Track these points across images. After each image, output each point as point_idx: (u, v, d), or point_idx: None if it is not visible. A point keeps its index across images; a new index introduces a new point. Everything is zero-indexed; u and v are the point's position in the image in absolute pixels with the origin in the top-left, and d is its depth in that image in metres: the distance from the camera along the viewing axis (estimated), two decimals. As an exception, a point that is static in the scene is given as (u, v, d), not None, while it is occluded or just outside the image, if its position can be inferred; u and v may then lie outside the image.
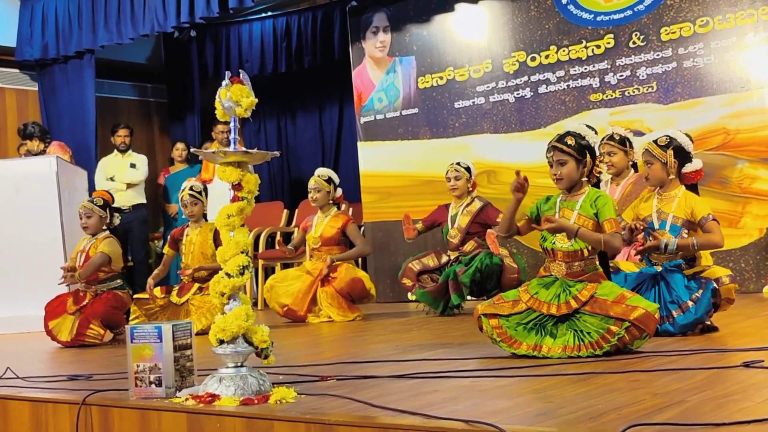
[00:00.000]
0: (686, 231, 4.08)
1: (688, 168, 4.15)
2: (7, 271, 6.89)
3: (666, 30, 6.41)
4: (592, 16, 6.77)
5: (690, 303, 3.95)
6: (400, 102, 7.80)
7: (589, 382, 2.87)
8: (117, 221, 5.82)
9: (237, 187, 2.99)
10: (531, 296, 3.63)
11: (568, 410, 2.40)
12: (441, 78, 7.55)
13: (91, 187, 7.99)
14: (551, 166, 3.72)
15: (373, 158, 7.93)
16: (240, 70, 3.12)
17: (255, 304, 7.64)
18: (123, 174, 8.44)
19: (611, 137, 5.15)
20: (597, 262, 3.67)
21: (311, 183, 6.36)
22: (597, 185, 3.81)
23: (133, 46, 8.70)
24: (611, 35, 6.66)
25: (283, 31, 9.14)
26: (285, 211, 8.65)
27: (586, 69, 6.75)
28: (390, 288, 7.75)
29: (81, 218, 5.68)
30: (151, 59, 9.98)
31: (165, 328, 3.00)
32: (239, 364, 2.91)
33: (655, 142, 4.19)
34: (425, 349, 4.09)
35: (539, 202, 3.84)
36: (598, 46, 6.67)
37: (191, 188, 5.90)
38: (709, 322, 4.05)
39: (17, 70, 9.04)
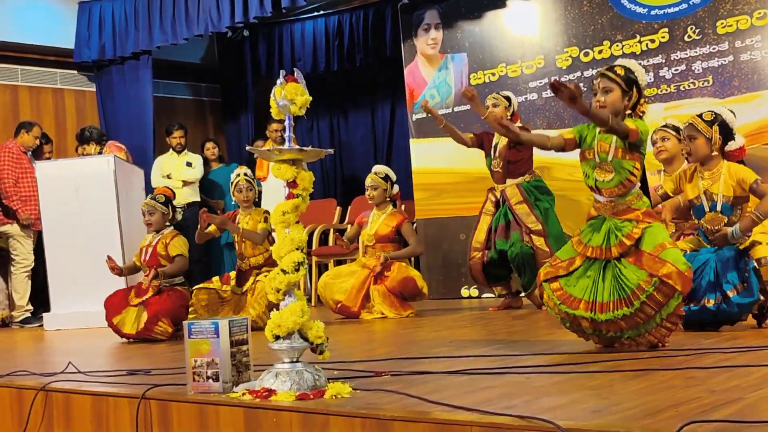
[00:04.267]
0: (739, 208, 4.05)
1: (731, 146, 4.14)
2: (68, 268, 7.04)
3: (722, 23, 6.31)
4: (646, 10, 6.69)
5: (742, 285, 3.93)
6: (452, 99, 7.79)
7: (645, 378, 2.85)
8: (179, 217, 5.90)
9: (292, 184, 3.03)
10: (584, 245, 3.67)
11: (624, 407, 2.39)
12: (493, 74, 7.53)
13: (148, 186, 8.12)
14: (595, 94, 3.73)
15: (425, 155, 7.93)
16: (294, 68, 3.16)
17: (309, 300, 7.69)
18: (180, 172, 8.57)
19: (665, 125, 5.11)
20: (645, 199, 3.66)
21: (368, 181, 6.39)
22: (644, 181, 3.80)
23: (187, 46, 8.81)
24: (666, 29, 6.57)
25: (335, 30, 9.18)
26: (338, 208, 8.69)
27: (640, 63, 6.63)
28: (443, 284, 7.76)
29: (144, 215, 5.78)
30: (205, 59, 10.10)
31: (222, 323, 3.04)
32: (295, 360, 2.94)
33: (700, 116, 4.16)
34: (479, 345, 4.09)
35: (582, 126, 3.82)
36: (653, 41, 6.59)
37: (245, 174, 5.93)
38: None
39: (75, 72, 9.23)
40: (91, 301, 6.93)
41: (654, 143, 4.92)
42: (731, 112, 4.22)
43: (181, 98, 10.04)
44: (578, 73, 7.01)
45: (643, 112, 3.72)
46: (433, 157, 7.86)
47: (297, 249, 2.99)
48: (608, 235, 3.61)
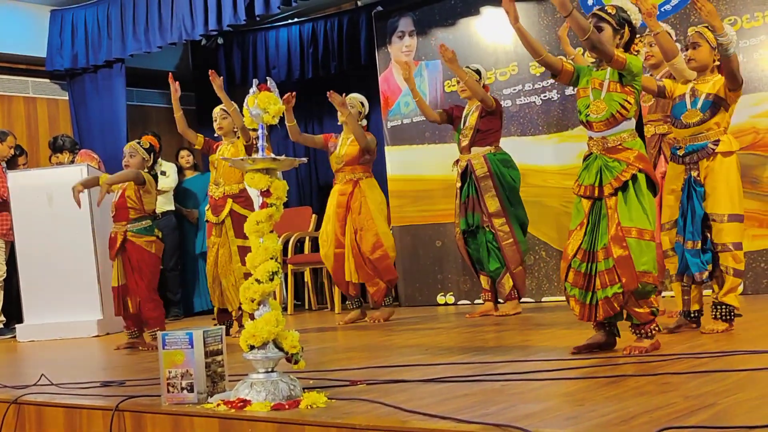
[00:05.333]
0: (717, 109, 4.18)
1: None
2: (41, 279, 6.98)
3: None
4: (619, 16, 6.73)
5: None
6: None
7: (620, 384, 2.86)
8: (159, 169, 5.83)
9: (266, 193, 3.02)
10: (579, 184, 3.75)
11: (598, 413, 2.39)
12: (467, 81, 7.53)
13: (122, 195, 8.06)
14: None
15: (400, 162, 7.94)
16: (267, 77, 3.16)
17: (285, 309, 7.67)
18: (153, 181, 8.51)
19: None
20: (639, 141, 3.72)
21: (348, 99, 6.31)
22: (641, 125, 3.88)
23: (161, 54, 8.77)
24: (638, 35, 6.60)
25: (310, 37, 9.17)
26: (313, 216, 8.68)
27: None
28: (418, 291, 7.76)
29: (124, 156, 5.73)
30: (179, 67, 10.05)
31: (196, 334, 3.03)
32: (270, 370, 2.93)
33: (708, 27, 4.27)
34: (455, 353, 4.09)
35: (582, 66, 3.94)
36: (625, 47, 6.63)
37: (221, 108, 5.98)
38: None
39: (48, 80, 9.15)
40: (64, 312, 6.91)
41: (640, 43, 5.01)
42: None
43: (155, 107, 9.99)
44: (551, 80, 7.03)
45: (638, 51, 3.84)
46: (408, 164, 7.87)
47: (271, 258, 2.98)
48: (599, 173, 3.67)
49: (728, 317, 4.13)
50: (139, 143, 5.81)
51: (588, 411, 2.45)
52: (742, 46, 6.15)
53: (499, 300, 6.16)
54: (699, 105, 4.20)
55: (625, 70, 3.67)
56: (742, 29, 6.15)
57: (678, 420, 2.22)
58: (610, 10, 3.78)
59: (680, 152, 4.20)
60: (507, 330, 5.15)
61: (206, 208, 6.08)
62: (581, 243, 3.68)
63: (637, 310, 3.61)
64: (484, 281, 6.23)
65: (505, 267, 6.01)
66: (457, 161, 6.26)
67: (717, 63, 4.25)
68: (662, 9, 6.51)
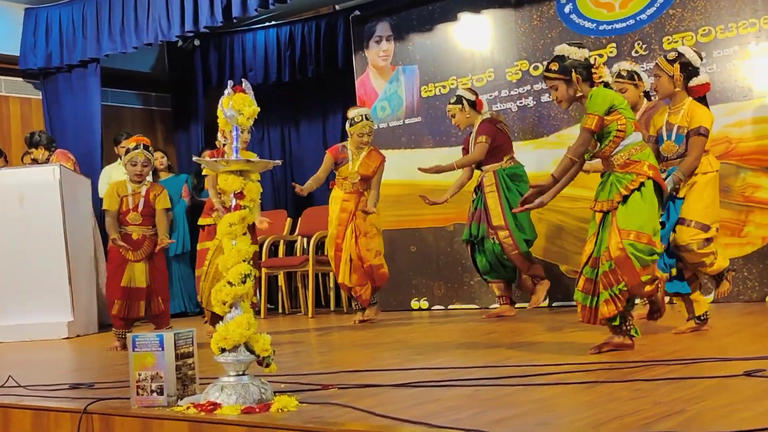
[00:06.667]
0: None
1: (694, 82, 4.46)
2: (11, 280, 6.90)
3: (668, 39, 6.41)
4: (595, 25, 6.78)
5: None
6: (403, 111, 7.81)
7: (591, 391, 2.87)
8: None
9: (239, 195, 3.01)
10: (596, 201, 3.87)
11: (569, 419, 2.40)
12: (444, 87, 7.56)
13: (95, 196, 8.00)
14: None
15: (376, 167, 7.92)
16: (243, 79, 3.14)
17: (258, 313, 7.63)
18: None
19: (619, 74, 5.21)
20: (646, 149, 3.83)
21: (366, 129, 6.48)
22: None
23: (137, 55, 8.72)
24: (614, 44, 6.66)
25: (287, 40, 9.15)
26: (288, 219, 8.65)
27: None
28: (393, 296, 7.74)
29: (136, 166, 5.75)
30: (155, 68, 10.00)
31: (167, 336, 3.00)
32: (241, 373, 2.91)
33: (665, 56, 4.50)
34: (428, 358, 4.09)
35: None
36: (601, 55, 6.66)
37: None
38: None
39: (21, 79, 9.05)
40: (34, 314, 6.82)
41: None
42: (696, 52, 4.52)
43: (130, 107, 9.92)
44: (528, 87, 7.07)
45: (600, 77, 3.90)
46: (384, 169, 7.84)
47: (244, 261, 2.97)
48: (611, 187, 3.80)
49: (703, 318, 4.38)
50: (147, 149, 5.83)
51: (559, 417, 2.45)
52: (716, 56, 6.21)
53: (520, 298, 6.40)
54: (673, 138, 4.43)
55: (602, 124, 3.78)
56: (716, 39, 6.21)
57: (647, 426, 2.23)
58: (552, 68, 3.93)
59: (663, 175, 4.30)
60: (480, 336, 5.15)
61: (214, 215, 6.02)
62: (591, 252, 3.82)
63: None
64: (496, 288, 6.37)
65: (518, 270, 6.21)
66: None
67: (678, 89, 4.46)
68: (638, 18, 6.57)
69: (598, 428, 2.26)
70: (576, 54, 3.90)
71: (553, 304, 6.66)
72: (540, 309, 6.33)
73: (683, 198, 4.36)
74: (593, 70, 3.88)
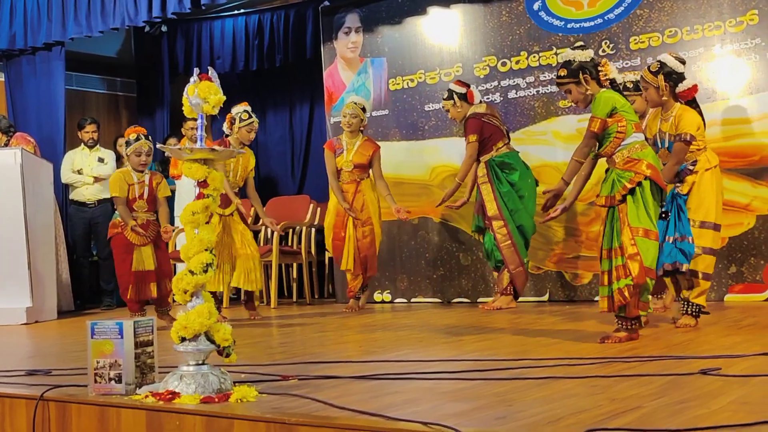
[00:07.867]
0: None
1: (680, 87, 4.60)
2: (-31, 264, 6.80)
3: (635, 39, 6.47)
4: (563, 23, 6.82)
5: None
6: (371, 103, 7.80)
7: (549, 386, 2.89)
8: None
9: (203, 184, 2.99)
10: (599, 196, 4.09)
11: (527, 414, 2.42)
12: (412, 80, 7.57)
13: (57, 180, 7.91)
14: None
15: (343, 158, 7.90)
16: (209, 67, 3.12)
17: (220, 303, 7.59)
18: (91, 168, 8.33)
19: (625, 87, 5.24)
20: (648, 149, 4.04)
21: (348, 109, 6.67)
22: None
23: (102, 39, 8.62)
24: (581, 43, 6.68)
25: (255, 29, 9.09)
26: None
27: (555, 75, 6.76)
28: (356, 289, 7.73)
29: (141, 156, 5.88)
30: (121, 53, 9.89)
31: (126, 324, 2.98)
32: (200, 362, 2.90)
33: (648, 68, 4.65)
34: (388, 350, 4.10)
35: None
36: (568, 53, 6.71)
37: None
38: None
39: (-18, 61, 8.93)
40: (-7, 298, 6.73)
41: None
42: (677, 58, 4.66)
43: (95, 92, 9.80)
44: (495, 82, 7.10)
45: (606, 75, 4.09)
46: (350, 161, 7.84)
47: (206, 250, 2.95)
48: (613, 184, 4.01)
49: (696, 314, 4.58)
50: (148, 139, 5.98)
51: (516, 411, 2.47)
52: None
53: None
54: (666, 145, 4.59)
55: (605, 127, 4.02)
56: (681, 41, 6.27)
57: (603, 422, 2.26)
58: (561, 73, 4.16)
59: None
60: (440, 330, 5.17)
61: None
62: (602, 245, 4.02)
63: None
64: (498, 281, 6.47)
65: (504, 264, 6.23)
66: None
67: (666, 98, 4.61)
68: (606, 18, 6.61)
69: (555, 423, 2.28)
70: (581, 56, 4.13)
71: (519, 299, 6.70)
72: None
73: (687, 195, 4.54)
74: (600, 68, 4.09)
